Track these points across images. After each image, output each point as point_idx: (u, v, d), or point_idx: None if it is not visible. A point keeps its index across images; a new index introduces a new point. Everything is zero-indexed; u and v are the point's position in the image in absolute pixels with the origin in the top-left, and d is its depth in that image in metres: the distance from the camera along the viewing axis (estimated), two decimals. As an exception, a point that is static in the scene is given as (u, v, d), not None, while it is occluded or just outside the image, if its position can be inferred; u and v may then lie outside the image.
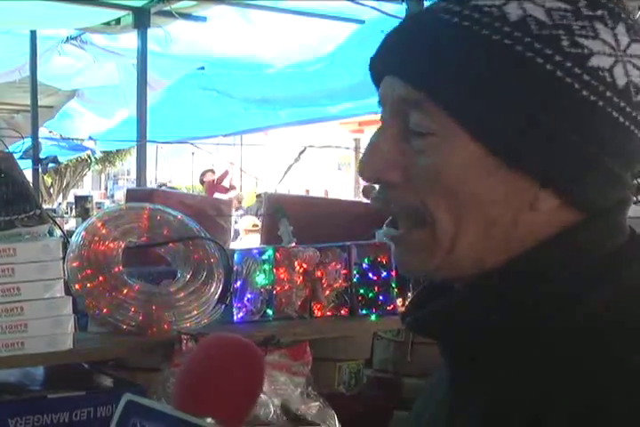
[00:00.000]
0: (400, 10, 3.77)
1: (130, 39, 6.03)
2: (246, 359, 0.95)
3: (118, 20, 5.72)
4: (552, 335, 0.78)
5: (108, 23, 5.81)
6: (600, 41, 0.79)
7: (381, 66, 0.87)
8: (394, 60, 0.85)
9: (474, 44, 0.79)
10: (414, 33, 0.85)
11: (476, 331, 0.82)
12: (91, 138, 9.97)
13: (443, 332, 0.87)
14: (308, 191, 14.11)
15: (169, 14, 5.39)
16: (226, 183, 12.94)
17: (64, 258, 1.60)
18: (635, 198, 2.23)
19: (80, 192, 14.69)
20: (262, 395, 1.63)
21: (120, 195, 15.38)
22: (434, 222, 0.82)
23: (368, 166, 0.86)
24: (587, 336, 0.76)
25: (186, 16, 5.48)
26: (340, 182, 18.19)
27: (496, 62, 0.78)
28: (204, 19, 5.67)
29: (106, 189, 23.00)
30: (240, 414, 0.94)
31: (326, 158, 18.27)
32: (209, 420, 0.88)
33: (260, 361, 0.97)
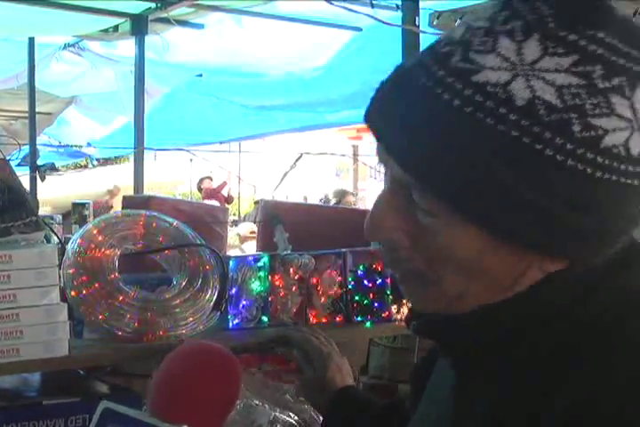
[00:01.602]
0: (396, 17, 3.79)
1: (128, 46, 6.06)
2: (219, 367, 0.96)
3: (116, 27, 5.75)
4: (551, 339, 0.80)
5: (105, 30, 5.83)
6: (615, 117, 0.74)
7: (376, 130, 0.83)
8: (388, 136, 0.81)
9: (476, 134, 0.74)
10: (408, 108, 0.78)
11: (480, 336, 0.85)
12: (89, 144, 9.99)
13: (447, 335, 0.89)
14: (305, 198, 14.10)
15: (166, 21, 5.41)
16: (224, 193, 12.96)
17: (60, 265, 1.61)
18: None
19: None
20: (257, 401, 1.64)
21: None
22: (440, 282, 0.83)
23: (374, 229, 0.85)
24: (582, 341, 0.78)
25: (183, 23, 5.51)
26: (338, 189, 18.15)
27: (500, 155, 0.74)
28: (201, 26, 5.69)
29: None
30: (216, 420, 0.95)
31: (324, 165, 18.27)
32: (184, 427, 0.89)
33: (235, 369, 0.98)
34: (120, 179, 10.67)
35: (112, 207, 9.30)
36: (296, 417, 1.69)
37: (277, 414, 1.65)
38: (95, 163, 14.84)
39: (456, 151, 0.75)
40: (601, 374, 0.74)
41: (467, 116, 0.74)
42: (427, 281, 0.84)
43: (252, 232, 7.70)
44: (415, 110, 0.78)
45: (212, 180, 13.26)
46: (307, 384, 1.55)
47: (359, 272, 1.96)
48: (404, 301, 1.97)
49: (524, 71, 0.73)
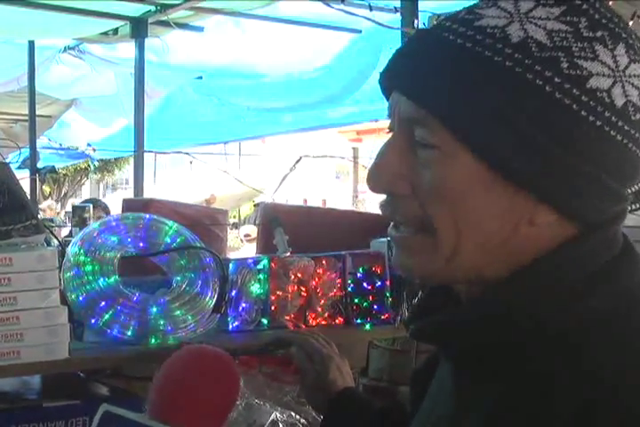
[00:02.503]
0: (395, 20, 3.79)
1: (127, 49, 6.06)
2: (218, 370, 0.96)
3: (116, 30, 5.76)
4: (550, 341, 0.81)
5: (105, 33, 5.84)
6: (599, 62, 0.81)
7: (389, 82, 0.91)
8: (400, 78, 0.88)
9: (475, 64, 0.82)
10: (419, 52, 0.87)
11: (479, 340, 0.86)
12: (89, 145, 9.99)
13: (446, 340, 0.90)
14: (305, 200, 14.11)
15: (166, 24, 5.42)
16: None
17: (60, 267, 1.61)
18: (631, 207, 2.25)
19: (78, 201, 14.69)
20: (259, 401, 1.65)
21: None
22: (435, 232, 0.85)
23: (376, 178, 0.89)
24: (580, 341, 0.79)
25: (183, 26, 5.52)
26: (338, 191, 18.19)
27: (496, 83, 0.81)
28: (201, 29, 5.70)
29: (104, 198, 23.00)
30: (215, 422, 0.95)
31: (324, 167, 18.29)
32: (184, 429, 0.90)
33: (233, 372, 0.99)
34: (216, 188, 10.55)
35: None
36: (298, 417, 1.69)
37: (279, 413, 1.66)
38: (96, 163, 14.86)
39: (457, 79, 0.82)
40: (603, 374, 0.76)
41: (467, 50, 0.83)
42: (423, 235, 0.87)
43: (247, 235, 7.70)
44: (425, 52, 0.87)
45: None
46: (308, 386, 1.56)
47: (359, 275, 1.96)
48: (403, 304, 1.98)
49: (520, 18, 0.82)
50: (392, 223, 0.92)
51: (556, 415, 0.74)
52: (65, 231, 5.70)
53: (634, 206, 2.19)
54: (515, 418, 0.78)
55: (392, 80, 0.90)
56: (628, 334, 0.80)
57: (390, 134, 0.91)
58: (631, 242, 0.90)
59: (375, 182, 0.89)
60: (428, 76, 0.84)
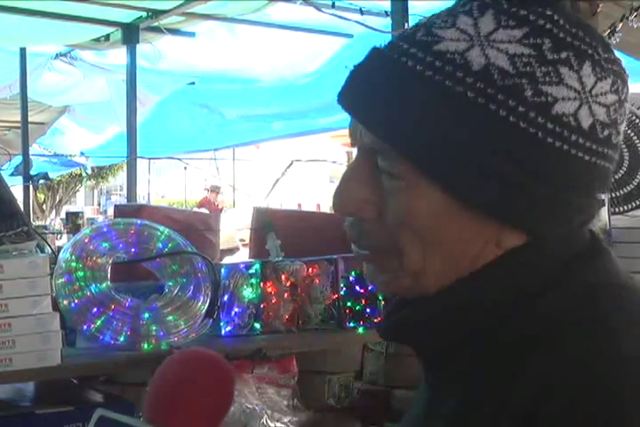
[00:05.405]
0: (386, 24, 3.80)
1: (119, 55, 6.06)
2: (215, 374, 0.96)
3: (107, 37, 5.76)
4: (508, 336, 0.80)
5: (97, 39, 5.84)
6: (564, 86, 0.78)
7: (347, 105, 0.87)
8: (357, 105, 0.86)
9: (436, 96, 0.79)
10: (377, 78, 0.83)
11: (440, 335, 0.86)
12: (82, 153, 9.99)
13: (410, 337, 0.90)
14: (300, 205, 14.09)
15: (158, 30, 5.43)
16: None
17: (52, 274, 1.61)
18: (620, 209, 2.26)
19: (73, 208, 14.67)
20: (250, 405, 1.64)
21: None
22: (401, 254, 0.84)
23: (341, 202, 0.87)
24: (538, 337, 0.78)
25: (174, 32, 5.52)
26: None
27: (458, 115, 0.78)
28: (192, 34, 5.71)
29: (99, 204, 22.99)
30: (211, 426, 0.95)
31: (318, 172, 18.29)
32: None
33: (229, 376, 0.98)
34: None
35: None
36: (290, 420, 1.69)
37: (271, 417, 1.66)
38: (89, 172, 14.85)
39: (417, 111, 0.79)
40: (558, 370, 0.74)
41: (427, 79, 0.79)
42: (389, 256, 0.86)
43: (241, 240, 7.68)
44: (382, 78, 0.83)
45: (218, 194, 13.19)
46: None
47: (351, 278, 1.96)
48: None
49: (480, 42, 0.79)
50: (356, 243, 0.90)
51: (511, 415, 0.74)
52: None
53: (621, 209, 2.20)
54: (474, 419, 0.77)
55: (349, 105, 0.87)
56: (578, 334, 0.77)
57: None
58: (601, 242, 0.88)
59: (340, 206, 0.87)
60: (387, 106, 0.81)
